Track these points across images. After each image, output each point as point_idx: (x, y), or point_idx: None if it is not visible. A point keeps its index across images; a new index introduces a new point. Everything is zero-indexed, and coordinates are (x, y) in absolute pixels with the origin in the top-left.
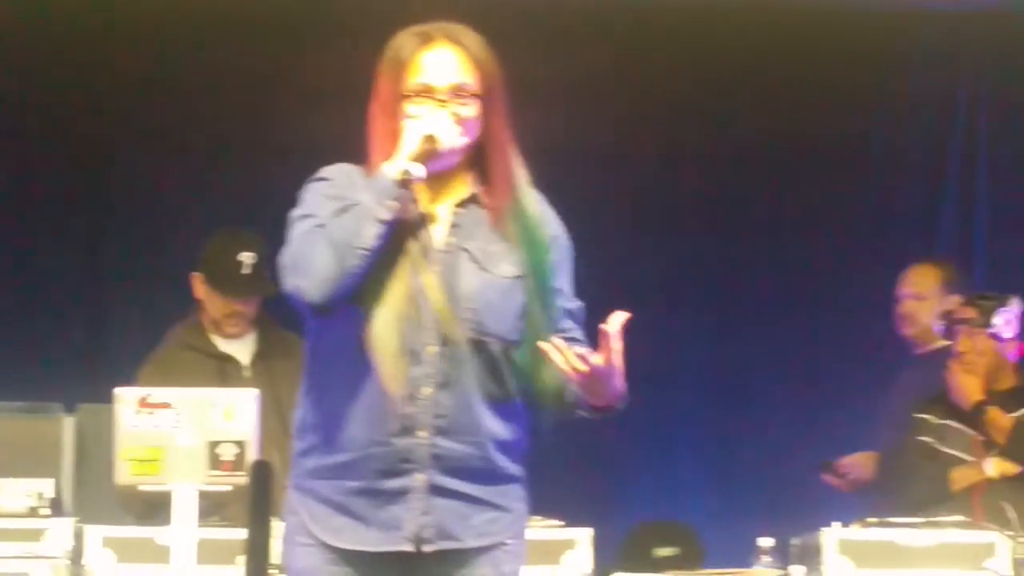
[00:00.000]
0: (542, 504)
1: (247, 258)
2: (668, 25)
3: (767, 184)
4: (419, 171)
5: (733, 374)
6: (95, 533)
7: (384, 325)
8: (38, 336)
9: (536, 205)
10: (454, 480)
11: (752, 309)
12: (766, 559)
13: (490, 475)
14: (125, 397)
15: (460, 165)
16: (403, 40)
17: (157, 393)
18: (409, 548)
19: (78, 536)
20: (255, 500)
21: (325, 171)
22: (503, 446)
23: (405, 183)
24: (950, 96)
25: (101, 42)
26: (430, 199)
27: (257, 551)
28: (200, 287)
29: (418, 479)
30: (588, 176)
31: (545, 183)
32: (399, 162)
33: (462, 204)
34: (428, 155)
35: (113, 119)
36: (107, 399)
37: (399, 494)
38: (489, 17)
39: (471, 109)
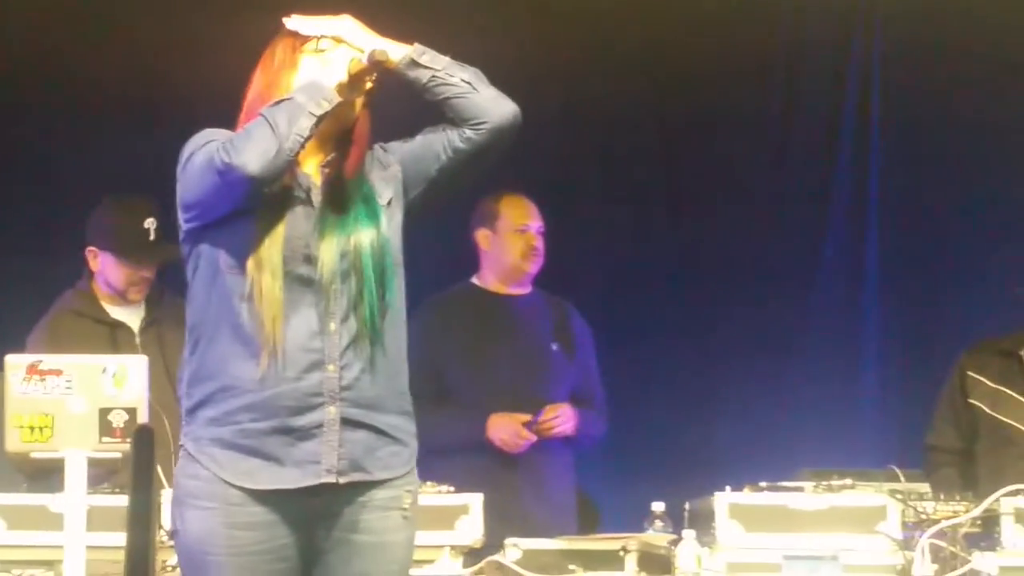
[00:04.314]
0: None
1: (151, 224)
2: None
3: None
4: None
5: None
6: None
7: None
8: None
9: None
10: (363, 411)
11: (646, 277)
12: (659, 524)
13: (390, 404)
14: (15, 364)
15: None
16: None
17: (47, 360)
18: (331, 480)
19: None
20: (138, 466)
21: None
22: (398, 373)
23: (378, 64)
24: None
25: None
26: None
27: (140, 518)
28: (99, 259)
29: (331, 412)
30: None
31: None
32: (334, 70)
33: (326, 165)
34: (376, 68)
35: None
36: None
37: (313, 429)
38: None
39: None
